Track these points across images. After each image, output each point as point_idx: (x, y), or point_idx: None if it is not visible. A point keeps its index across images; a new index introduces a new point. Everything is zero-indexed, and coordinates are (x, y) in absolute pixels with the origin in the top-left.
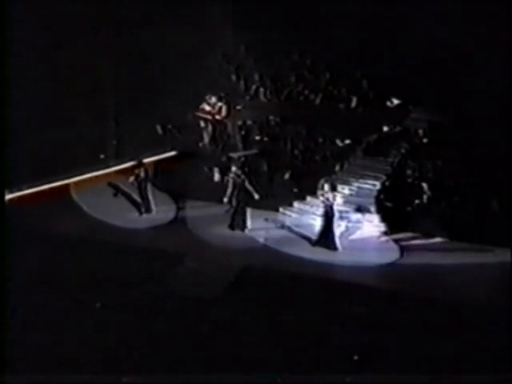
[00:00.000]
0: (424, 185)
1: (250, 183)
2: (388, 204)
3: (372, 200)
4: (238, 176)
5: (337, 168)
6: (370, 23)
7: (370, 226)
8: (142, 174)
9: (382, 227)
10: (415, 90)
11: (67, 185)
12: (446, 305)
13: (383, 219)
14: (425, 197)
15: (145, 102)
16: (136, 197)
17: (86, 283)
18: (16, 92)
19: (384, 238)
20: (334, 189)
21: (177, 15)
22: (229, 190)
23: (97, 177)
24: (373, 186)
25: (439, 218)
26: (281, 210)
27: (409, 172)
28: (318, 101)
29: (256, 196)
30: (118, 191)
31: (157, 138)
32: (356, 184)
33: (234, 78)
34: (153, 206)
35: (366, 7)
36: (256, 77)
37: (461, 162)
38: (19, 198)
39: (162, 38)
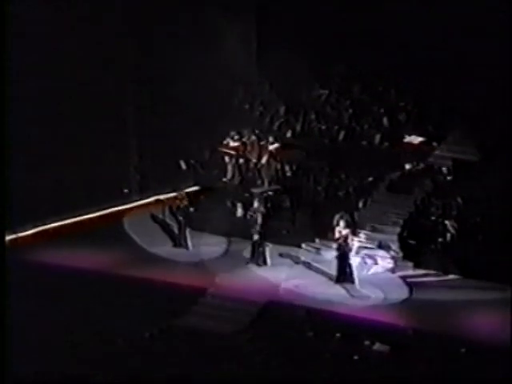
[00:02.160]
0: (447, 222)
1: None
2: (411, 241)
3: (394, 237)
4: (260, 211)
5: (360, 205)
6: (393, 60)
7: (386, 263)
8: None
9: (396, 264)
10: (439, 127)
11: (89, 220)
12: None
13: (406, 256)
14: (448, 235)
15: (168, 137)
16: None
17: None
18: (39, 126)
19: (397, 275)
20: (349, 225)
21: (202, 52)
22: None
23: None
24: (395, 223)
25: (462, 257)
26: (303, 245)
27: (432, 209)
28: (341, 137)
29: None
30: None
31: (180, 172)
32: (379, 221)
33: (257, 114)
34: (189, 243)
35: (386, 43)
36: (280, 112)
37: (485, 200)
38: (40, 232)
39: (187, 74)
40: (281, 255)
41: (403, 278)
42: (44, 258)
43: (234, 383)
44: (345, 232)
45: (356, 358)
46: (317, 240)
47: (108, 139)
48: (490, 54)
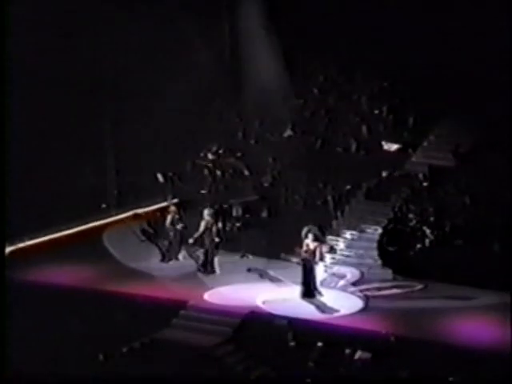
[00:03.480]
0: (426, 229)
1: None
2: (390, 248)
3: (374, 244)
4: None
5: (338, 212)
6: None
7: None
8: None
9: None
10: (415, 133)
11: (70, 235)
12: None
13: (385, 263)
14: (427, 241)
15: (145, 151)
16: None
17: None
18: (16, 141)
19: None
20: (317, 238)
21: (177, 65)
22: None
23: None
24: (374, 230)
25: (441, 262)
26: (282, 255)
27: (410, 216)
28: (317, 145)
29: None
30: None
31: (158, 186)
32: (357, 228)
33: (233, 125)
34: (180, 257)
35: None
36: (256, 123)
37: (462, 206)
38: (20, 250)
39: (161, 84)
40: (249, 270)
41: (367, 290)
42: (23, 275)
43: None
44: (313, 246)
45: (339, 366)
46: (282, 254)
47: (85, 154)
48: (465, 60)
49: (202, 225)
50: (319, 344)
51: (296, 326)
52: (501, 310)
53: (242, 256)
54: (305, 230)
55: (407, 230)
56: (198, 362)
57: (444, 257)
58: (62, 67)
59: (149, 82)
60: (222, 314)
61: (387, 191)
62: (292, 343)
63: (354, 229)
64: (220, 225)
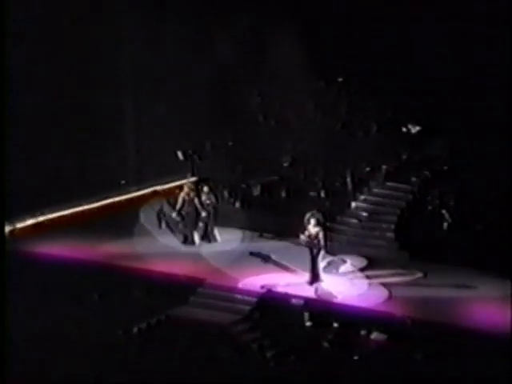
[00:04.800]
0: (445, 212)
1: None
2: (408, 231)
3: (391, 226)
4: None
5: (356, 194)
6: (391, 50)
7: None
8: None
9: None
10: (436, 117)
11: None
12: None
13: (402, 246)
14: (445, 224)
15: (165, 128)
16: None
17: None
18: (34, 117)
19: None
20: (319, 223)
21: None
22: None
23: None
24: (393, 213)
25: (460, 246)
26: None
27: (429, 199)
28: (337, 127)
29: (203, 213)
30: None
31: (177, 163)
32: (375, 210)
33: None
34: (196, 239)
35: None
36: (277, 104)
37: (482, 190)
38: (37, 224)
39: (184, 62)
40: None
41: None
42: (41, 249)
43: (234, 373)
44: (314, 231)
45: (354, 346)
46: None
47: (104, 130)
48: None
49: (181, 197)
50: (335, 325)
51: (312, 306)
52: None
53: (261, 235)
54: (307, 215)
55: (426, 213)
56: (214, 339)
57: (461, 241)
58: (83, 41)
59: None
60: (239, 292)
61: (407, 174)
62: (308, 323)
63: (371, 211)
64: (203, 197)
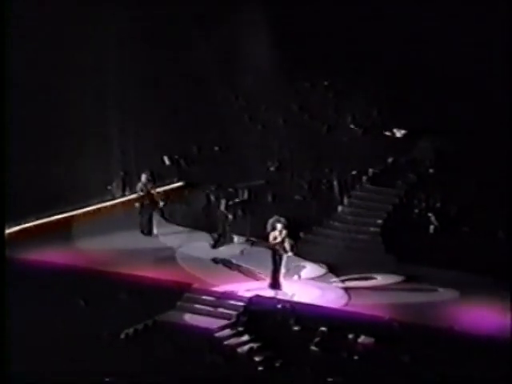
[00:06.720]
0: (431, 215)
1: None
2: (395, 235)
3: (378, 230)
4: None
5: (343, 198)
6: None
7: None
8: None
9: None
10: (421, 120)
11: (72, 217)
12: None
13: (388, 250)
14: (431, 227)
15: (152, 133)
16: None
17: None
18: (20, 122)
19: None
20: (285, 228)
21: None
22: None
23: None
24: (380, 216)
25: (446, 248)
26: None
27: (416, 202)
28: (323, 130)
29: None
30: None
31: (164, 168)
32: (361, 214)
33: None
34: (155, 230)
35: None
36: (263, 107)
37: (467, 192)
38: (22, 231)
39: (169, 66)
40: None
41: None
42: (27, 255)
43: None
44: (280, 237)
45: (341, 350)
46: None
47: (90, 135)
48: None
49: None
50: (322, 328)
51: (299, 310)
52: (500, 298)
53: (247, 240)
54: (271, 221)
55: (412, 216)
56: (202, 344)
57: (448, 243)
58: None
59: (159, 58)
60: (226, 297)
61: (393, 177)
62: (295, 327)
63: (358, 215)
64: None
